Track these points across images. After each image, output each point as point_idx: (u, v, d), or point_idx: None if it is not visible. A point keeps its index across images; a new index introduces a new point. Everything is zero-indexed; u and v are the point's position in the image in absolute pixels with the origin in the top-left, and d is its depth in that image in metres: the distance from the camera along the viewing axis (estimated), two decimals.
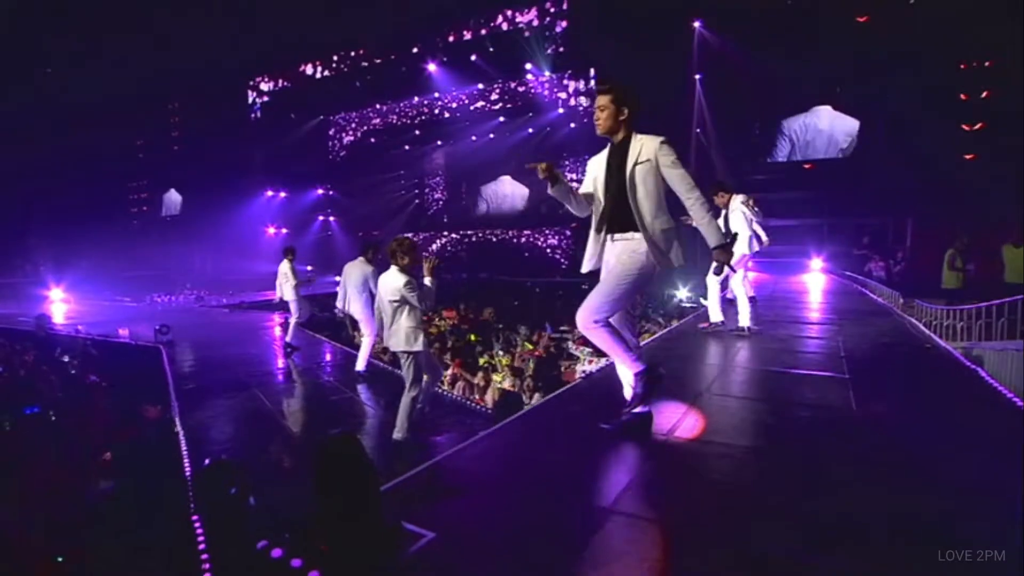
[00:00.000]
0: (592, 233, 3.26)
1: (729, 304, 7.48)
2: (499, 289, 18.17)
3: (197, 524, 3.13)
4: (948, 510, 2.36)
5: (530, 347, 9.81)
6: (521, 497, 2.66)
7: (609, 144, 3.22)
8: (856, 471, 2.82)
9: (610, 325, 3.14)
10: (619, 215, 3.12)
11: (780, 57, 15.33)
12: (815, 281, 13.45)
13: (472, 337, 10.85)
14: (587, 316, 3.09)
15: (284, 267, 8.77)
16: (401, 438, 4.86)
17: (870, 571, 1.97)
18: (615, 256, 3.16)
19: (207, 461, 3.84)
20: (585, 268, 3.32)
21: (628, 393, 3.31)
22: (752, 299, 6.85)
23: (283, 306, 14.52)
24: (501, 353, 9.72)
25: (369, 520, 2.07)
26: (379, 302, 4.95)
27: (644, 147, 3.05)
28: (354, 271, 7.39)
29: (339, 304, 7.62)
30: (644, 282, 3.13)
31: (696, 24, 17.23)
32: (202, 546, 2.93)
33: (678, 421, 3.57)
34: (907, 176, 14.71)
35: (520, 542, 2.24)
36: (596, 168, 3.27)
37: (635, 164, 3.05)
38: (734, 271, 6.74)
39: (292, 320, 9.06)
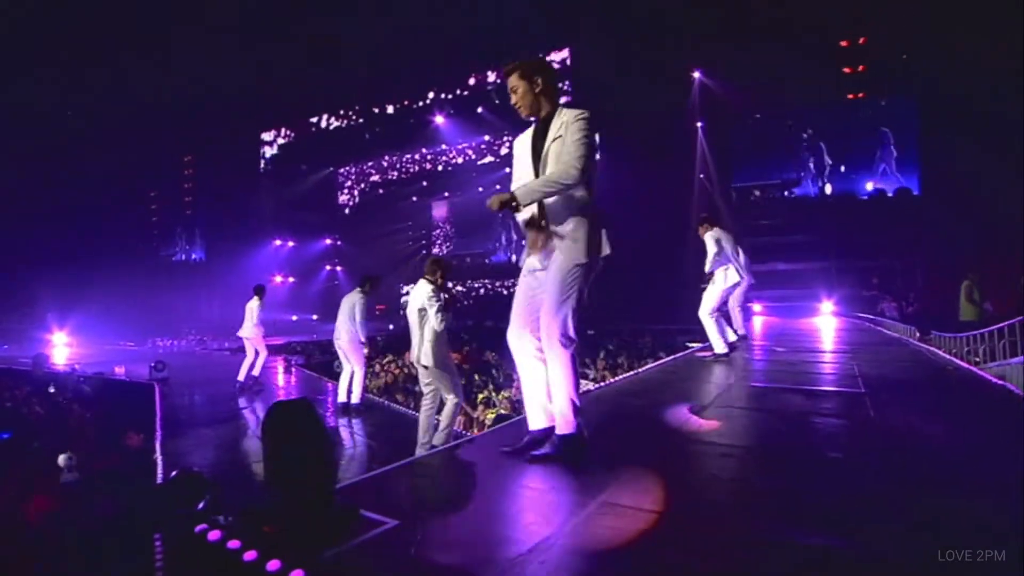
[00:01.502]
0: (523, 226, 2.71)
1: (742, 339, 7.27)
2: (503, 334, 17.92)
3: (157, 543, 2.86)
4: (967, 515, 2.10)
5: None
6: (500, 491, 2.40)
7: (534, 123, 2.74)
8: (871, 472, 2.56)
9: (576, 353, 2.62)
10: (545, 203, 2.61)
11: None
12: (826, 321, 13.10)
13: (476, 376, 10.67)
14: (555, 329, 2.52)
15: (254, 304, 8.64)
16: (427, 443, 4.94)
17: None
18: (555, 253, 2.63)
19: (173, 472, 3.59)
20: (522, 262, 2.78)
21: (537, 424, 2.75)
22: (743, 337, 7.02)
23: (286, 348, 14.32)
24: (497, 391, 9.49)
25: (320, 496, 1.83)
26: (409, 316, 5.08)
27: (564, 121, 2.57)
28: (346, 302, 7.28)
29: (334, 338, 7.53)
30: (586, 275, 2.58)
31: (696, 74, 17.65)
32: (158, 563, 2.66)
33: (680, 425, 3.31)
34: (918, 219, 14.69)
35: (495, 529, 1.98)
36: (521, 150, 2.76)
37: (552, 141, 2.57)
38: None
39: (261, 357, 8.81)
